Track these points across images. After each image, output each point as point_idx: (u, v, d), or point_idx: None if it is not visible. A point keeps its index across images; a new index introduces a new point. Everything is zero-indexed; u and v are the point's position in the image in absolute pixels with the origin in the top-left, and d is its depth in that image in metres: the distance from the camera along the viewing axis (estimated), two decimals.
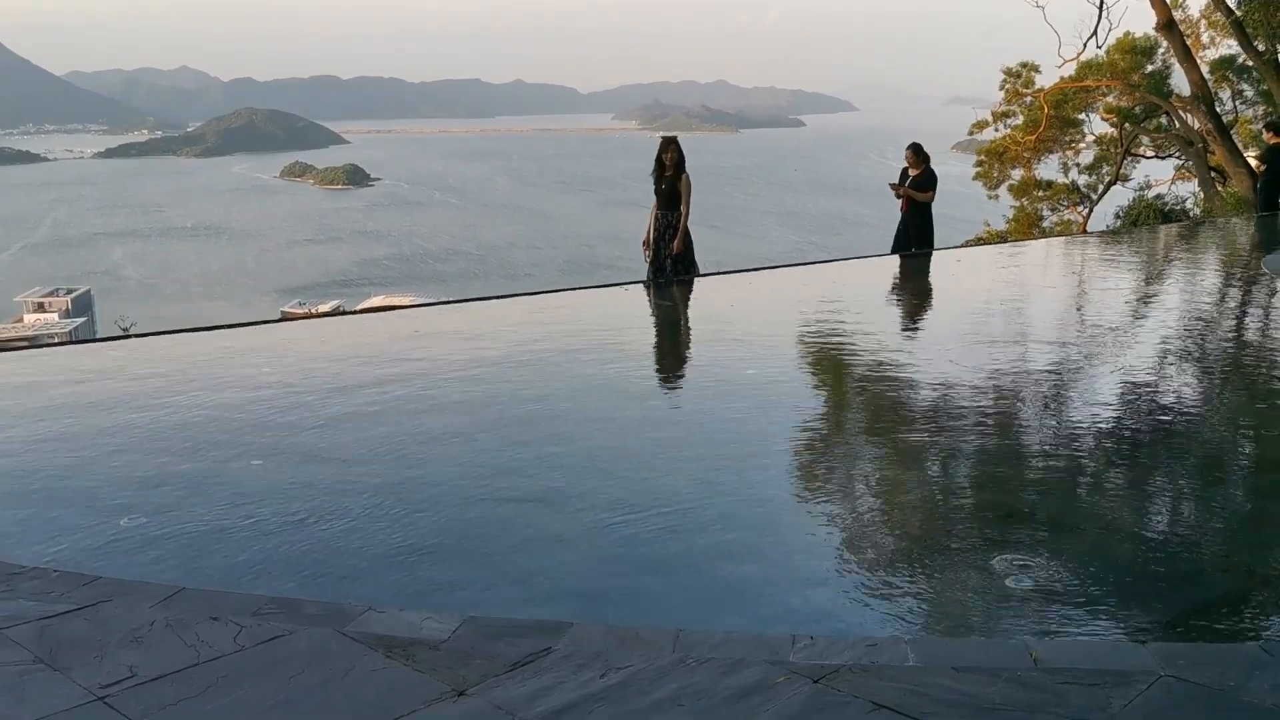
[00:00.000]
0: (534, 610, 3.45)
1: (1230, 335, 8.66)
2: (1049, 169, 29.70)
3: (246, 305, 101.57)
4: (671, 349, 9.01)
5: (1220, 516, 4.59)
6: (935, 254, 13.77)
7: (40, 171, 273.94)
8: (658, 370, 7.96)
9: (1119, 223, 25.05)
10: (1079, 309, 10.48)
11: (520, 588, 3.69)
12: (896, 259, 13.37)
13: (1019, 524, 4.39)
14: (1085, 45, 24.92)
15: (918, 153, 13.15)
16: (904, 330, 9.53)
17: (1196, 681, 2.90)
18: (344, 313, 17.84)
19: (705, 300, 11.34)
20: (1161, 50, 25.59)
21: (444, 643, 3.14)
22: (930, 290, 12.33)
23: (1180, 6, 24.46)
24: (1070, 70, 26.38)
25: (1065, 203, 28.89)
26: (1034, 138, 27.28)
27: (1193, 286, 11.65)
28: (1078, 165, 29.19)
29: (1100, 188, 28.23)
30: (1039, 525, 4.37)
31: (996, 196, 30.06)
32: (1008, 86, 28.35)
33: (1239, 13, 22.11)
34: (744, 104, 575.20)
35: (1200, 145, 23.97)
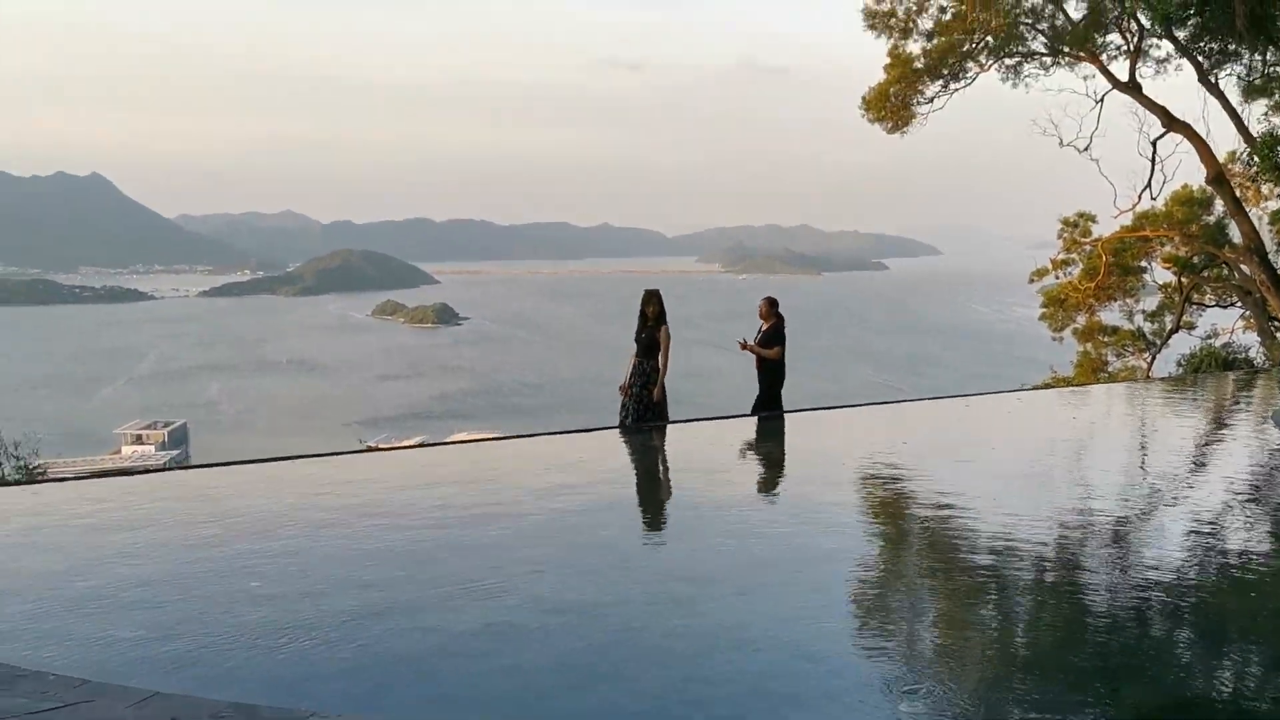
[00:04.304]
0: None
1: (1211, 493, 8.75)
2: (1114, 315, 29.80)
3: (333, 438, 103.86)
4: (654, 492, 9.39)
5: (1136, 656, 4.79)
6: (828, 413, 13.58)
7: (147, 309, 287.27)
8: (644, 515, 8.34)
9: (1180, 370, 24.94)
10: (1083, 461, 10.65)
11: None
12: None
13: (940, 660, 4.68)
14: (1140, 197, 25.35)
15: (771, 306, 12.63)
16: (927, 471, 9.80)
17: None
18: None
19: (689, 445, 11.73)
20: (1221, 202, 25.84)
21: None
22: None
23: (1237, 160, 24.72)
24: (1127, 220, 26.76)
25: (1130, 348, 28.84)
26: (1094, 285, 27.50)
27: (1192, 441, 11.71)
28: (1142, 312, 29.25)
29: (1165, 334, 28.18)
30: (945, 659, 4.64)
31: (1061, 339, 30.18)
32: (1065, 235, 28.77)
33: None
34: (827, 247, 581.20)
35: (1258, 295, 23.97)
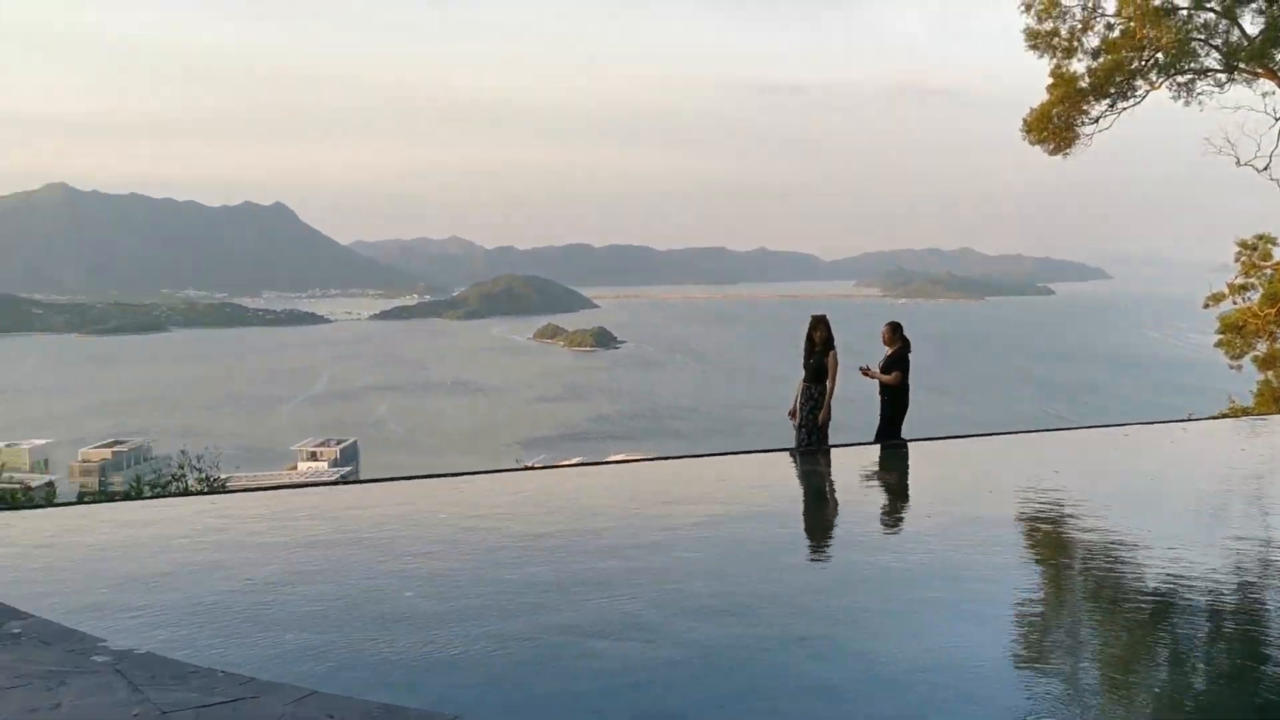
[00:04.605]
0: None
1: None
2: None
3: (493, 457, 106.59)
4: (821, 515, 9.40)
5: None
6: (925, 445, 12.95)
7: (322, 331, 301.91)
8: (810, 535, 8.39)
9: None
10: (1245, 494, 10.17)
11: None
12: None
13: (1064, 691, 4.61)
14: None
15: (894, 330, 12.36)
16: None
17: None
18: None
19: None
20: None
21: None
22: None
23: None
24: None
25: None
26: (1275, 311, 26.04)
27: None
28: None
29: None
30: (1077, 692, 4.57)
31: (1239, 368, 28.62)
32: (1243, 259, 27.34)
33: None
34: (989, 271, 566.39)
35: None
